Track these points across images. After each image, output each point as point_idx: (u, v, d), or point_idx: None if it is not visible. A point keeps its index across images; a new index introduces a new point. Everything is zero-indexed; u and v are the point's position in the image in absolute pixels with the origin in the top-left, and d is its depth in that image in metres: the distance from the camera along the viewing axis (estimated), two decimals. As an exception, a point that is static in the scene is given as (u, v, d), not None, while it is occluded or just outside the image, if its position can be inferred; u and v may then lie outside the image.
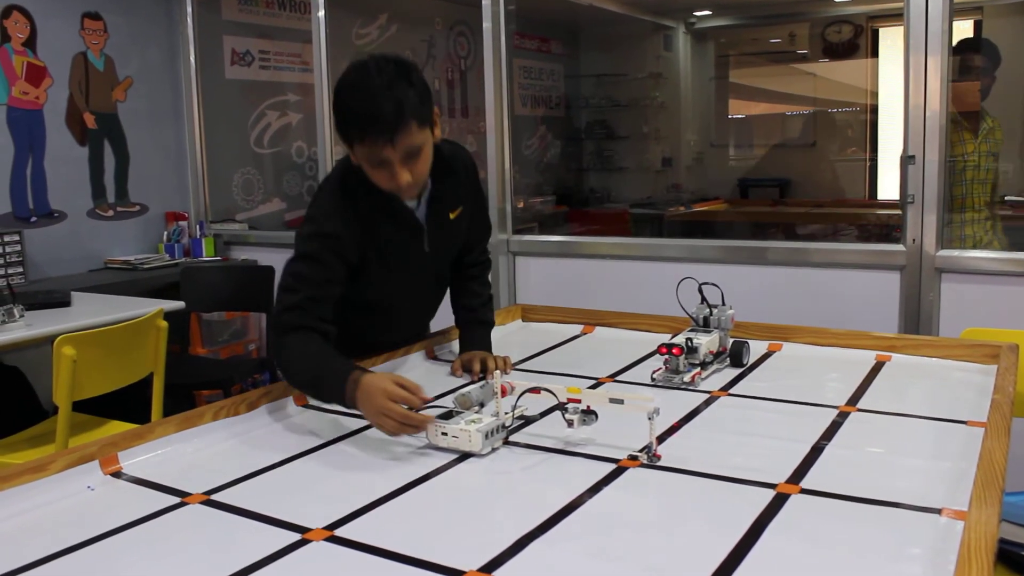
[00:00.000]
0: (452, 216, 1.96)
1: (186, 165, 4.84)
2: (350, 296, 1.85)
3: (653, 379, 1.83)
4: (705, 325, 1.94)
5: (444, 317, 2.22)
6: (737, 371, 1.90)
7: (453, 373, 1.97)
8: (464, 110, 6.25)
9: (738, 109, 7.11)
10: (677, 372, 1.82)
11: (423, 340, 2.16)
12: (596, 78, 7.26)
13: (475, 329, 2.07)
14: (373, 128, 1.64)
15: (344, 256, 1.78)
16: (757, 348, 2.06)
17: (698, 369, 1.83)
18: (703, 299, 1.97)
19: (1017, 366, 1.80)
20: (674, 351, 1.81)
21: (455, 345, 2.15)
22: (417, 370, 2.01)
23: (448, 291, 2.14)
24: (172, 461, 1.45)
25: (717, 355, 1.91)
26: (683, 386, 1.79)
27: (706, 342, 1.85)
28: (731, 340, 1.95)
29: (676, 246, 3.54)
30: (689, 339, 1.84)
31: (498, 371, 1.54)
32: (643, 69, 7.03)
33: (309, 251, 1.78)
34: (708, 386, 1.79)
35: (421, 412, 1.48)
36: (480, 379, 1.82)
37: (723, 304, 1.98)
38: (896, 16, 5.66)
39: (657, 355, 1.87)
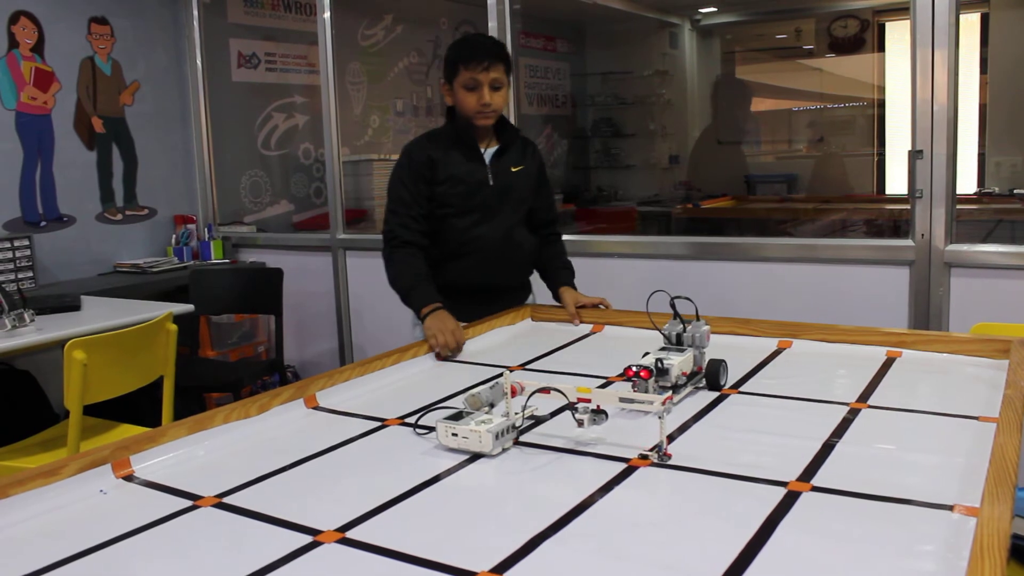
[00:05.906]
0: (513, 169, 2.45)
1: (194, 168, 4.86)
2: (448, 238, 2.38)
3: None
4: (678, 343, 1.75)
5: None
6: (714, 395, 1.71)
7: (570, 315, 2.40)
8: (470, 110, 6.24)
9: (744, 105, 7.09)
10: None
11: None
12: (602, 76, 7.25)
13: (559, 272, 2.56)
14: (478, 53, 2.31)
15: (422, 173, 2.35)
16: (767, 345, 2.06)
17: (669, 393, 1.54)
18: (676, 314, 1.79)
19: (1028, 361, 1.79)
20: (642, 374, 1.60)
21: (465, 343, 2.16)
22: (424, 370, 2.01)
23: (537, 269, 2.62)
24: (184, 464, 1.46)
25: (691, 376, 1.71)
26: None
27: (678, 363, 1.65)
28: (707, 359, 1.76)
29: (684, 244, 3.54)
30: (659, 360, 1.64)
31: (507, 371, 1.54)
32: (649, 66, 7.02)
33: (396, 177, 2.38)
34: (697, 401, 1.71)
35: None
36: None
37: (697, 319, 1.79)
38: (902, 10, 5.65)
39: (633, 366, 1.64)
